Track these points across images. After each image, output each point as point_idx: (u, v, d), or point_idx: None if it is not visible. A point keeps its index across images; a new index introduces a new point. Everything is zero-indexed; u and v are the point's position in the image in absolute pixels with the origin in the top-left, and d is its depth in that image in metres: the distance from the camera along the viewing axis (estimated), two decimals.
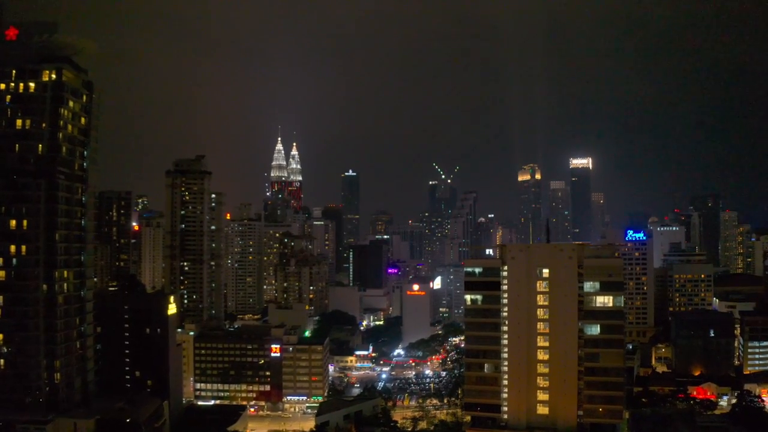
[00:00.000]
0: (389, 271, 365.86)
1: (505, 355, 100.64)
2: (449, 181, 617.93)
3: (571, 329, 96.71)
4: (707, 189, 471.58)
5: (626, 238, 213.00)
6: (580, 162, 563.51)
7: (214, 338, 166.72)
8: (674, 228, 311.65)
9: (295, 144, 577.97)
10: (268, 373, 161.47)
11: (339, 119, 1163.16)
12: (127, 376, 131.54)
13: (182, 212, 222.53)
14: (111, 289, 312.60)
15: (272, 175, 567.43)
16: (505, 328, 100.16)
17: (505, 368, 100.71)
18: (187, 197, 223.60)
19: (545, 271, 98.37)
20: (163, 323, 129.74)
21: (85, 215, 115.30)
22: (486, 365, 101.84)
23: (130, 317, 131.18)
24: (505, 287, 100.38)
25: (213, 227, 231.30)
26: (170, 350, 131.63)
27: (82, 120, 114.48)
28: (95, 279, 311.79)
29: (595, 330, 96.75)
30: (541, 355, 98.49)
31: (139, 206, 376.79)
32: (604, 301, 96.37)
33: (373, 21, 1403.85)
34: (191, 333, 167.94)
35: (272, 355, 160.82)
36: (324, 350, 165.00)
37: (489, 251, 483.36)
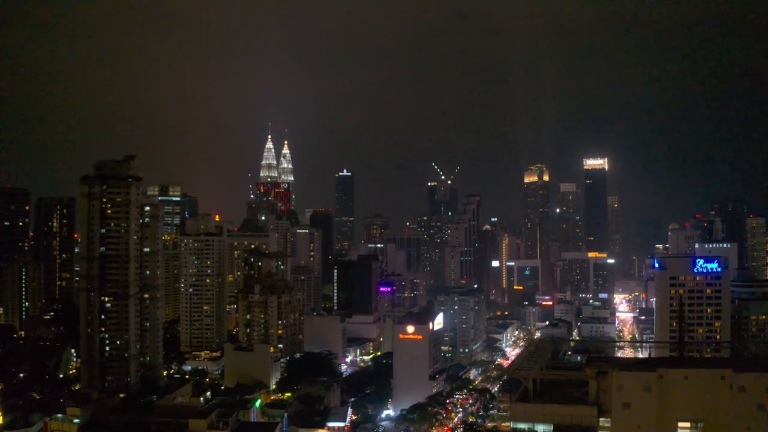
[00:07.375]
0: (381, 289, 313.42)
1: None
2: (449, 182, 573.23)
3: None
4: (728, 193, 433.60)
5: (694, 269, 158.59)
6: (595, 163, 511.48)
7: (108, 430, 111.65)
8: (725, 245, 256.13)
9: (286, 142, 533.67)
10: None
11: (333, 116, 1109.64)
12: None
13: (102, 231, 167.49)
14: (46, 317, 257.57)
15: (261, 175, 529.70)
16: None
17: None
18: (109, 211, 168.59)
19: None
20: None
21: None
22: None
23: None
24: None
25: (146, 249, 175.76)
26: None
27: None
28: (26, 303, 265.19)
29: None
30: None
31: None
32: None
33: (370, 14, 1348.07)
34: (75, 421, 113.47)
35: None
36: None
37: (495, 263, 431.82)
